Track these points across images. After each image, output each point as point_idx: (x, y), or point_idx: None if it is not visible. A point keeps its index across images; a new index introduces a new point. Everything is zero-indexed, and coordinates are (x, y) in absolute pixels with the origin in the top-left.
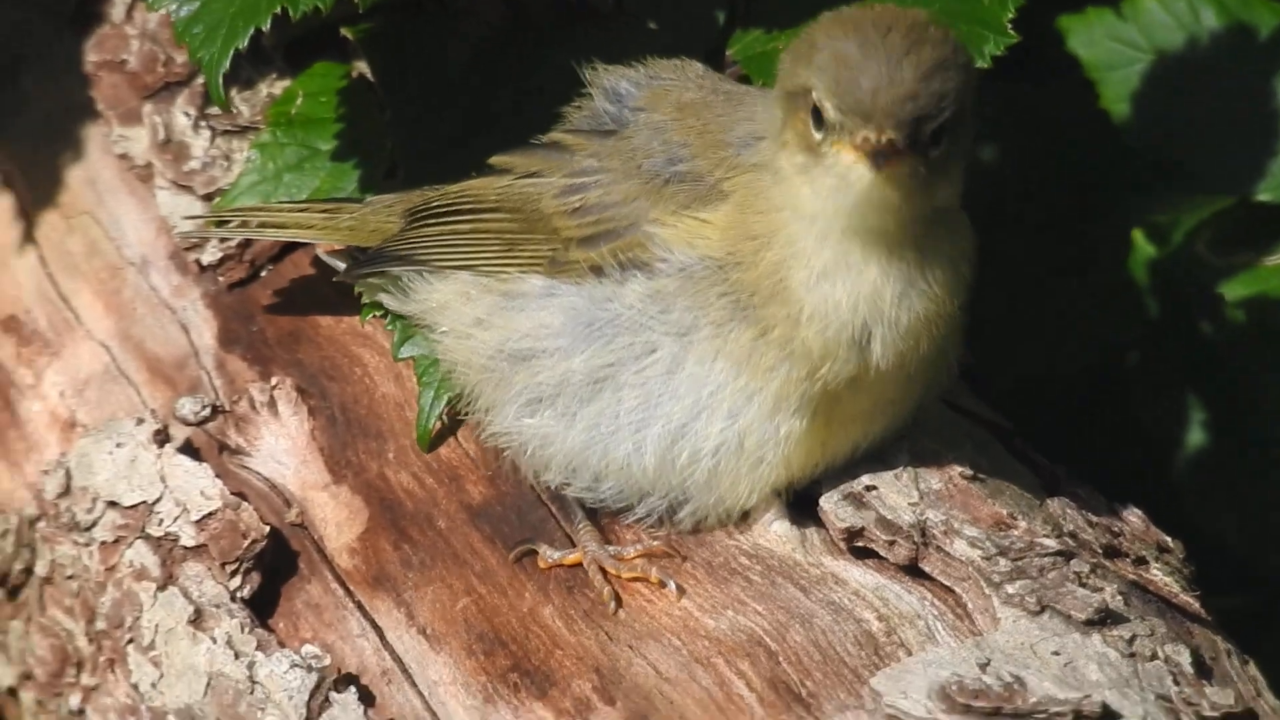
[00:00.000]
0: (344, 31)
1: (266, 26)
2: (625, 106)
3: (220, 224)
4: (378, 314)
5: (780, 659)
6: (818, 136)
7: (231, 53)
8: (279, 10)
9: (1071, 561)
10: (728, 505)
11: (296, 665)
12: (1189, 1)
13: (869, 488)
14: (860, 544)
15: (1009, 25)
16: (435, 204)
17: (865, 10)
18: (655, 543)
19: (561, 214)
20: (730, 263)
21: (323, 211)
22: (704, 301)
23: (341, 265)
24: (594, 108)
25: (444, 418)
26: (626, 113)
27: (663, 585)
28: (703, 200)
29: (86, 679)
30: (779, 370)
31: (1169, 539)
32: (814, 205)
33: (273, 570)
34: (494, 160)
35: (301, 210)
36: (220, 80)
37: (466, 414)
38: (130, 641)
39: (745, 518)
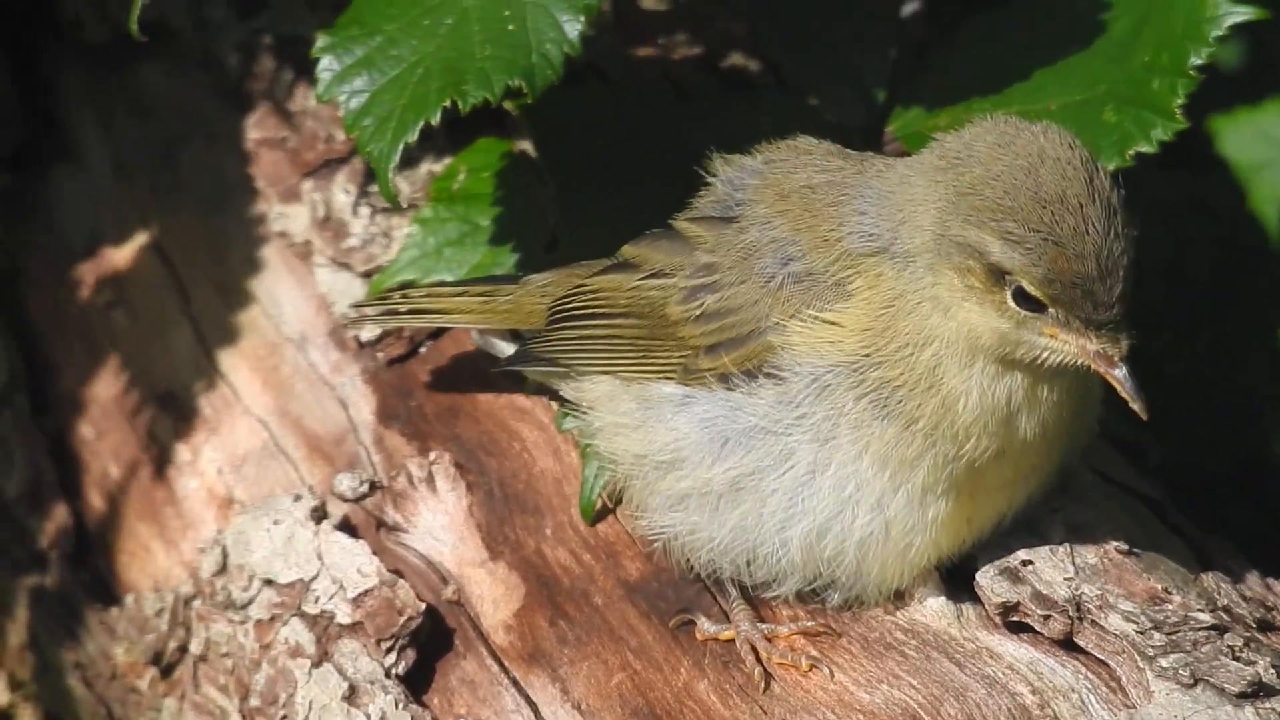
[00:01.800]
0: (506, 106)
1: (436, 120)
2: (740, 197)
3: (385, 312)
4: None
5: None
6: (1018, 310)
7: (401, 147)
8: (449, 103)
9: (1225, 635)
10: (878, 588)
11: None
12: None
13: (1025, 562)
14: (1015, 618)
15: (1178, 111)
16: (572, 304)
17: (1047, 170)
18: (810, 623)
19: (686, 321)
20: (867, 364)
21: (480, 295)
22: (841, 406)
23: (505, 346)
24: (717, 194)
25: (605, 493)
26: (741, 204)
27: (813, 669)
28: (823, 299)
29: None
30: (925, 457)
31: None
32: (989, 345)
33: (428, 647)
34: (624, 251)
35: (460, 294)
36: (391, 175)
37: (620, 500)
38: (284, 718)
39: (899, 596)
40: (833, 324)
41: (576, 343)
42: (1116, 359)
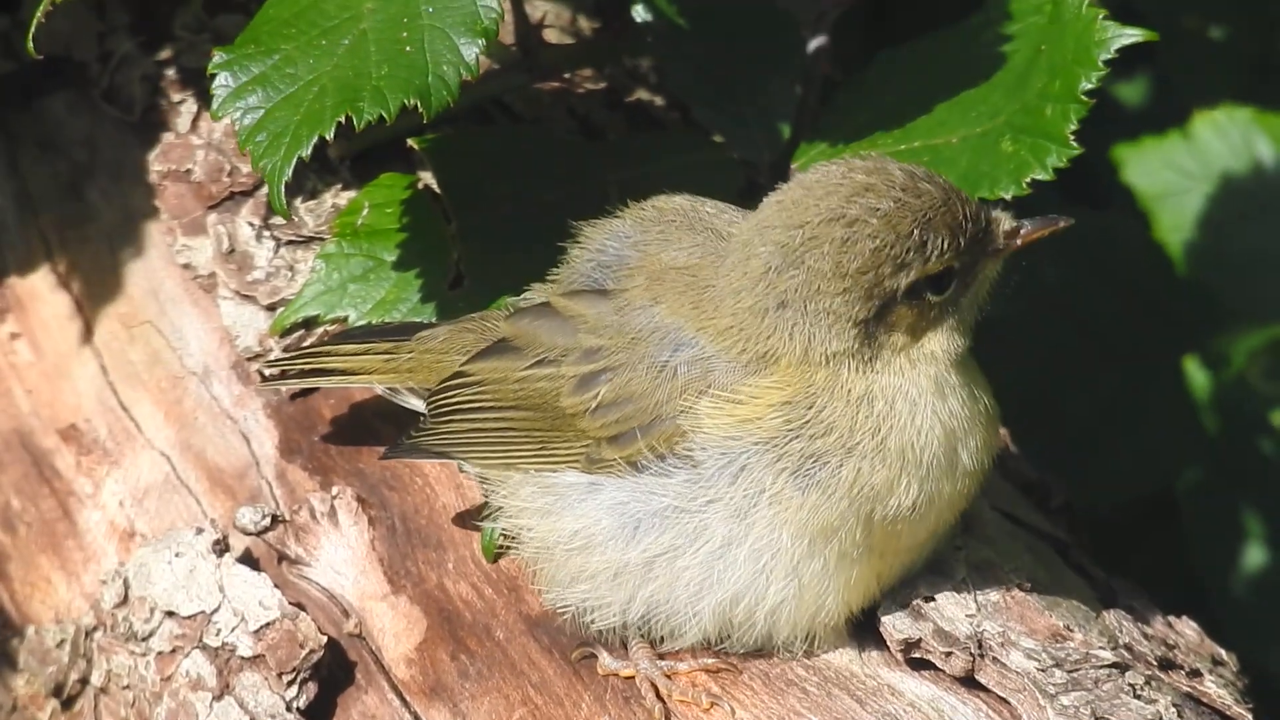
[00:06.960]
0: (410, 142)
1: (330, 135)
2: (614, 271)
3: (296, 374)
4: None
5: None
6: (938, 297)
7: (294, 161)
8: (343, 118)
9: (1127, 673)
10: (785, 645)
11: None
12: (1243, 131)
13: (927, 599)
14: (917, 655)
15: (1071, 137)
16: (456, 397)
17: (854, 183)
18: (710, 659)
19: (582, 414)
20: (788, 437)
21: (383, 354)
22: (759, 483)
23: (414, 400)
24: (590, 260)
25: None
26: (615, 278)
27: (714, 706)
28: (731, 377)
29: None
30: (846, 520)
31: (1223, 651)
32: (944, 354)
33: (329, 680)
34: (504, 329)
35: (363, 354)
36: (282, 189)
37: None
38: None
39: (807, 650)
40: (746, 401)
41: (467, 436)
42: (1010, 223)
